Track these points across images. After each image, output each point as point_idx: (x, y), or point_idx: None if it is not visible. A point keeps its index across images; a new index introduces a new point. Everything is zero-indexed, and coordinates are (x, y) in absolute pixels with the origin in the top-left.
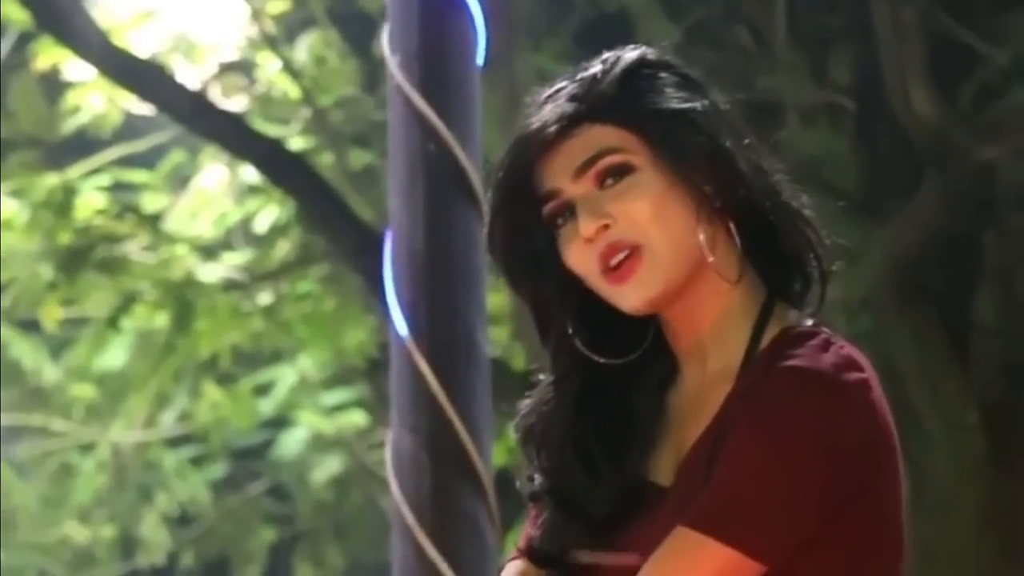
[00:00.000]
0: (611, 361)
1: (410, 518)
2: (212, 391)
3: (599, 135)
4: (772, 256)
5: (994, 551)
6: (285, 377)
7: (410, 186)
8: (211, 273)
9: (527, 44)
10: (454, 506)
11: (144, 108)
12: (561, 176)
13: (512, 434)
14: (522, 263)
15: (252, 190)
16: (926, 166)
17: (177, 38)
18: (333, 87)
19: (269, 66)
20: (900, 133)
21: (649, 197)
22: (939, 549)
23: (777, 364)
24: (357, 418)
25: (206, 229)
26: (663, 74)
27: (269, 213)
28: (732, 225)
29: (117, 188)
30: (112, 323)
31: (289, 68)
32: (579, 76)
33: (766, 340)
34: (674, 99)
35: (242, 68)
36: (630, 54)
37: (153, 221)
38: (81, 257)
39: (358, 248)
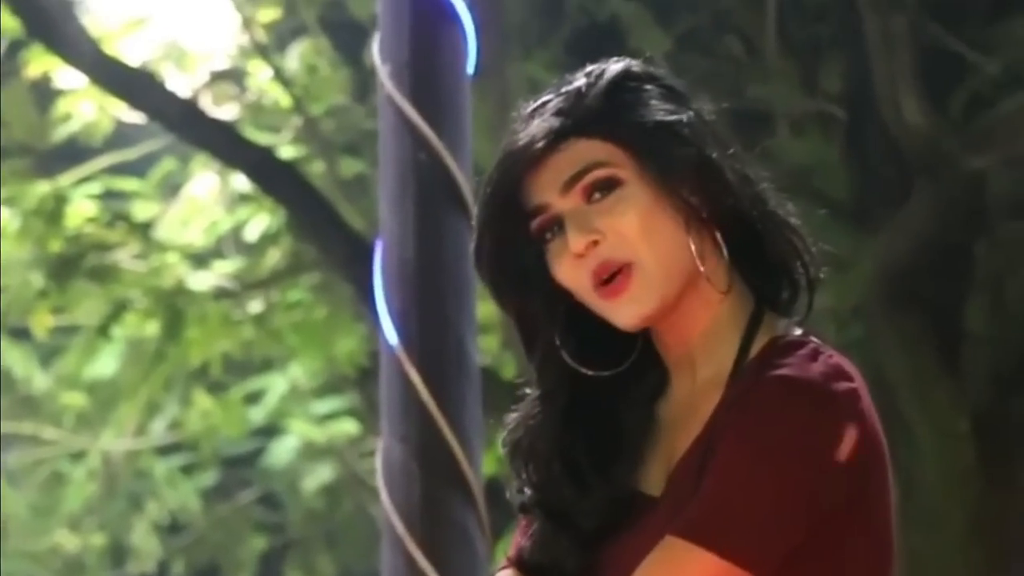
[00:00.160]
0: (599, 373)
1: (400, 527)
2: (203, 399)
3: (586, 149)
4: (760, 265)
5: (983, 560)
6: (276, 385)
7: (400, 195)
8: (202, 281)
9: (518, 53)
10: (444, 515)
11: (135, 116)
12: (549, 191)
13: (500, 448)
14: (510, 278)
15: (243, 198)
16: (917, 175)
17: (168, 46)
18: (324, 96)
19: (260, 74)
20: (891, 142)
21: (637, 211)
22: (928, 558)
23: (766, 374)
24: (348, 427)
25: (197, 237)
26: (648, 86)
27: (260, 221)
28: (719, 235)
29: (108, 196)
30: (103, 331)
31: (280, 77)
32: (564, 89)
33: (755, 349)
34: (660, 111)
35: (233, 76)
36: (615, 67)
37: (144, 229)
38: (72, 265)
39: (349, 257)
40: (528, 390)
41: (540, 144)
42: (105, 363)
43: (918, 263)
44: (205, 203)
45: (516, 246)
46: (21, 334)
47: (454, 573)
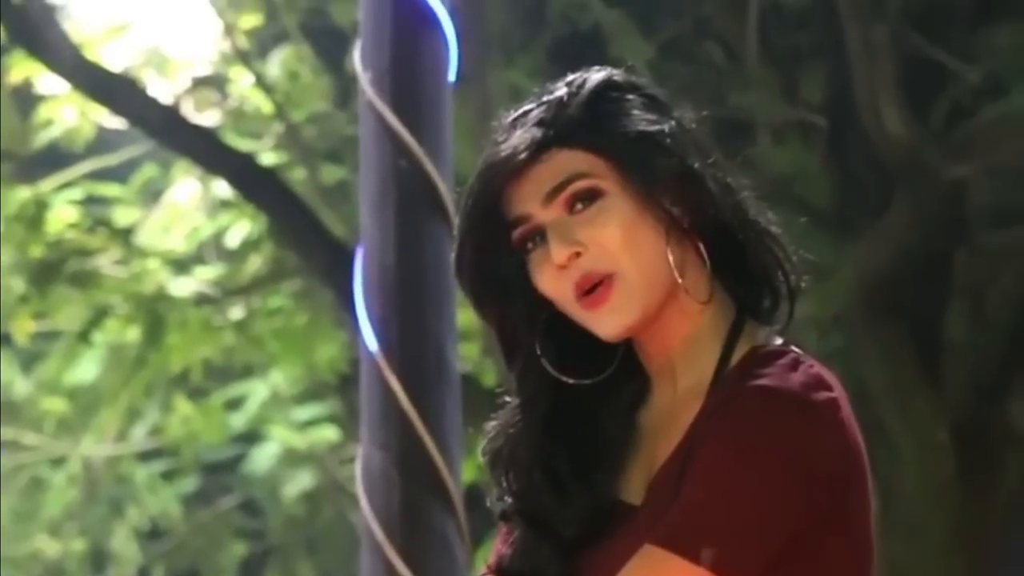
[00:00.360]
0: (580, 382)
1: (380, 534)
2: (183, 405)
3: (568, 160)
4: (741, 274)
5: (963, 569)
6: (256, 392)
7: (381, 202)
8: (183, 287)
9: (500, 60)
10: (424, 522)
11: (116, 122)
12: (531, 202)
13: (480, 456)
14: (490, 288)
15: (224, 205)
16: (897, 184)
17: (150, 52)
18: (305, 102)
19: (241, 81)
20: (871, 151)
21: (619, 222)
22: (908, 567)
23: (746, 383)
24: (328, 433)
25: (178, 243)
26: (630, 96)
27: (241, 228)
28: (701, 245)
29: (89, 202)
30: (83, 337)
31: (261, 83)
32: (546, 99)
33: (736, 358)
34: (641, 121)
35: (214, 83)
36: (596, 76)
37: (125, 235)
38: (53, 270)
39: (330, 263)
40: (508, 398)
41: (522, 155)
42: (86, 369)
43: (899, 272)
44: (186, 209)
45: (497, 256)
46: (2, 339)
47: None
